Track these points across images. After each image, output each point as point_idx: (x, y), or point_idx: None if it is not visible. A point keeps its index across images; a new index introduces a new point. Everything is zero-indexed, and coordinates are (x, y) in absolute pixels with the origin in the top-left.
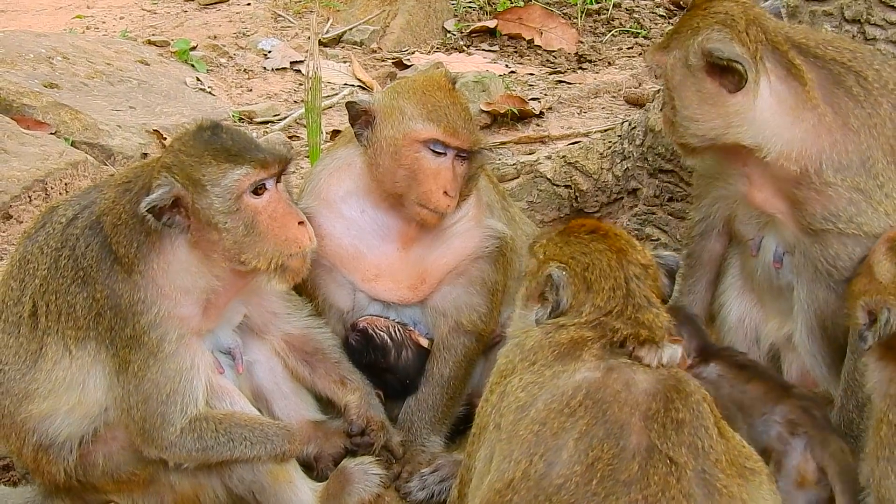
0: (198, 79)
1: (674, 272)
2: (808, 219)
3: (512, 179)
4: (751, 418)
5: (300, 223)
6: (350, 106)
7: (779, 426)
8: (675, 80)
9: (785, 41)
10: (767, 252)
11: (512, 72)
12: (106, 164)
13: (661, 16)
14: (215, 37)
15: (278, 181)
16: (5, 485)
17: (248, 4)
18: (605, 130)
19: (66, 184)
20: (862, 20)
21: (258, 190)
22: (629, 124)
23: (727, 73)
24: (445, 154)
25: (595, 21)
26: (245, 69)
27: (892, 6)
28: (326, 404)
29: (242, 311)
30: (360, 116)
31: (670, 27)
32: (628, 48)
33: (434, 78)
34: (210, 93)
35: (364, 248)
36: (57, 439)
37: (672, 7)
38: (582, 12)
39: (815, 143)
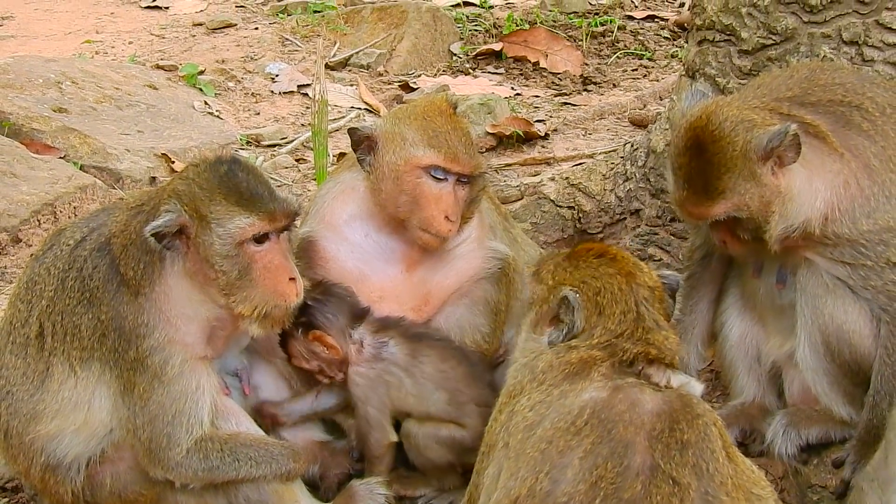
0: (206, 102)
1: (675, 291)
2: (836, 256)
3: (516, 201)
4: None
5: (291, 279)
6: (352, 132)
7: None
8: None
9: (780, 103)
10: (770, 274)
11: (517, 94)
12: (114, 188)
13: (665, 38)
14: (223, 61)
15: (281, 232)
16: None
17: (256, 29)
18: (609, 152)
19: (74, 207)
20: (860, 42)
21: (260, 239)
22: (631, 146)
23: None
24: (446, 179)
25: (600, 43)
26: (253, 93)
27: (890, 28)
28: (331, 425)
29: (250, 334)
30: (362, 142)
31: (674, 49)
32: (633, 70)
33: (435, 103)
34: (218, 116)
35: (368, 271)
36: (64, 460)
37: (676, 29)
38: (587, 35)
39: (847, 194)
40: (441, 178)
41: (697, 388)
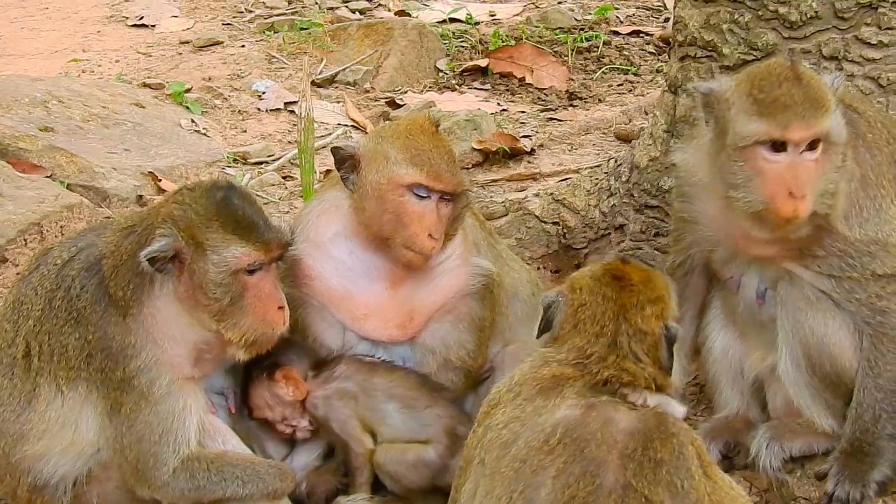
0: (193, 120)
1: (672, 343)
2: (823, 269)
3: (501, 217)
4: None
5: (280, 307)
6: (335, 151)
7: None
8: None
9: None
10: (749, 289)
11: (503, 110)
12: (101, 207)
13: (650, 53)
14: (210, 79)
15: (274, 262)
16: None
17: (243, 46)
18: (594, 167)
19: (61, 226)
20: (840, 57)
21: (254, 269)
22: (615, 161)
23: None
24: (429, 197)
25: (585, 59)
26: (239, 110)
27: (870, 43)
28: None
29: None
30: (345, 161)
31: (659, 64)
32: (618, 85)
33: (417, 121)
34: (205, 134)
35: (353, 288)
36: (51, 480)
37: (661, 44)
38: (572, 50)
39: (848, 198)
40: (424, 196)
41: (678, 409)
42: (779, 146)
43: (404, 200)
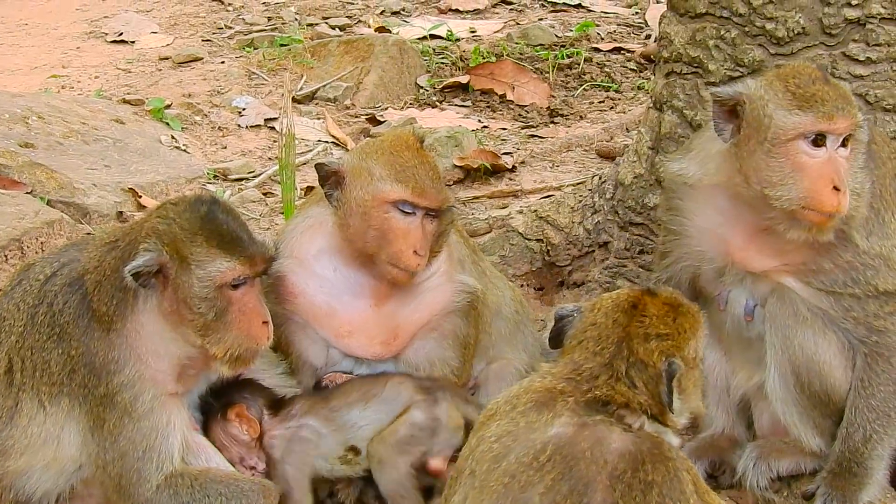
0: (173, 137)
1: (672, 379)
2: (823, 285)
3: (484, 234)
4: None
5: (264, 322)
6: (319, 167)
7: (410, 390)
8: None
9: None
10: (736, 306)
11: (484, 126)
12: (82, 223)
13: (632, 69)
14: (190, 95)
15: (258, 277)
16: None
17: (223, 62)
18: (577, 184)
19: (42, 242)
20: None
21: (238, 283)
22: (600, 178)
23: None
24: (415, 214)
25: (566, 76)
26: (219, 127)
27: (857, 60)
28: None
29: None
30: (329, 177)
31: (641, 80)
32: (599, 102)
33: (402, 137)
34: (185, 150)
35: (337, 305)
36: (34, 496)
37: (642, 61)
38: (553, 67)
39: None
40: (409, 212)
41: (674, 440)
42: (819, 140)
43: (389, 217)
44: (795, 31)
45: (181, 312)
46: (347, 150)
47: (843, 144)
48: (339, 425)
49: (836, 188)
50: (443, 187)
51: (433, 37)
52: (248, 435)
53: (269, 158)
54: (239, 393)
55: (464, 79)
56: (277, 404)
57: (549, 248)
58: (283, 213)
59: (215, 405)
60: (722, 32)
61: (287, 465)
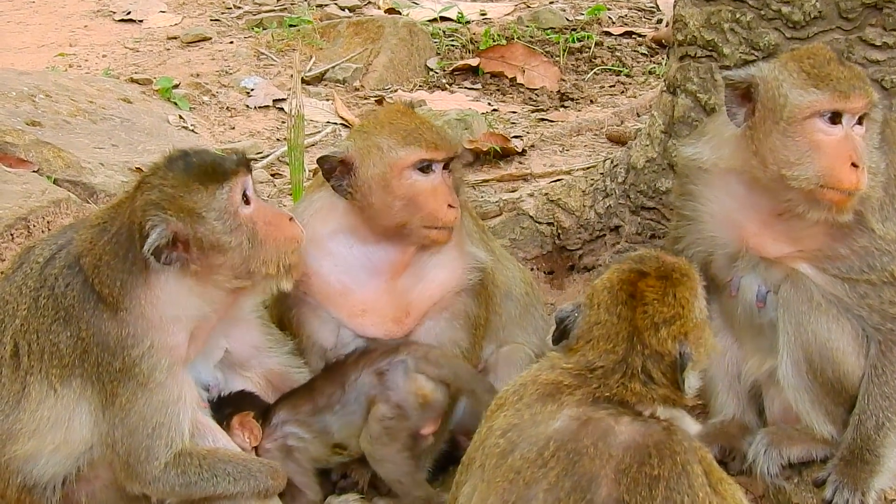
0: (180, 116)
1: (684, 369)
2: (839, 272)
3: (494, 217)
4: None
5: (290, 219)
6: (323, 161)
7: (367, 384)
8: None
9: None
10: (748, 292)
11: (494, 110)
12: (89, 202)
13: (643, 54)
14: (198, 75)
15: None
16: None
17: (231, 43)
18: (587, 168)
19: (48, 222)
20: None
21: (246, 200)
22: (611, 162)
23: None
24: (434, 170)
25: (577, 59)
26: (228, 107)
27: (874, 44)
28: None
29: (224, 347)
30: (335, 168)
31: (652, 65)
32: (610, 86)
33: (393, 108)
34: (193, 130)
35: (352, 284)
36: (41, 480)
37: (654, 46)
38: (564, 50)
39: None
40: (429, 170)
41: (692, 426)
42: (835, 118)
43: (412, 182)
44: (812, 15)
45: (216, 262)
46: (347, 137)
47: (859, 123)
48: (317, 431)
49: (854, 164)
50: (448, 135)
51: (443, 19)
52: (249, 443)
53: (278, 139)
54: (236, 403)
55: (474, 62)
56: (265, 414)
57: (559, 231)
58: (291, 195)
59: (216, 416)
60: (737, 16)
61: (288, 471)
